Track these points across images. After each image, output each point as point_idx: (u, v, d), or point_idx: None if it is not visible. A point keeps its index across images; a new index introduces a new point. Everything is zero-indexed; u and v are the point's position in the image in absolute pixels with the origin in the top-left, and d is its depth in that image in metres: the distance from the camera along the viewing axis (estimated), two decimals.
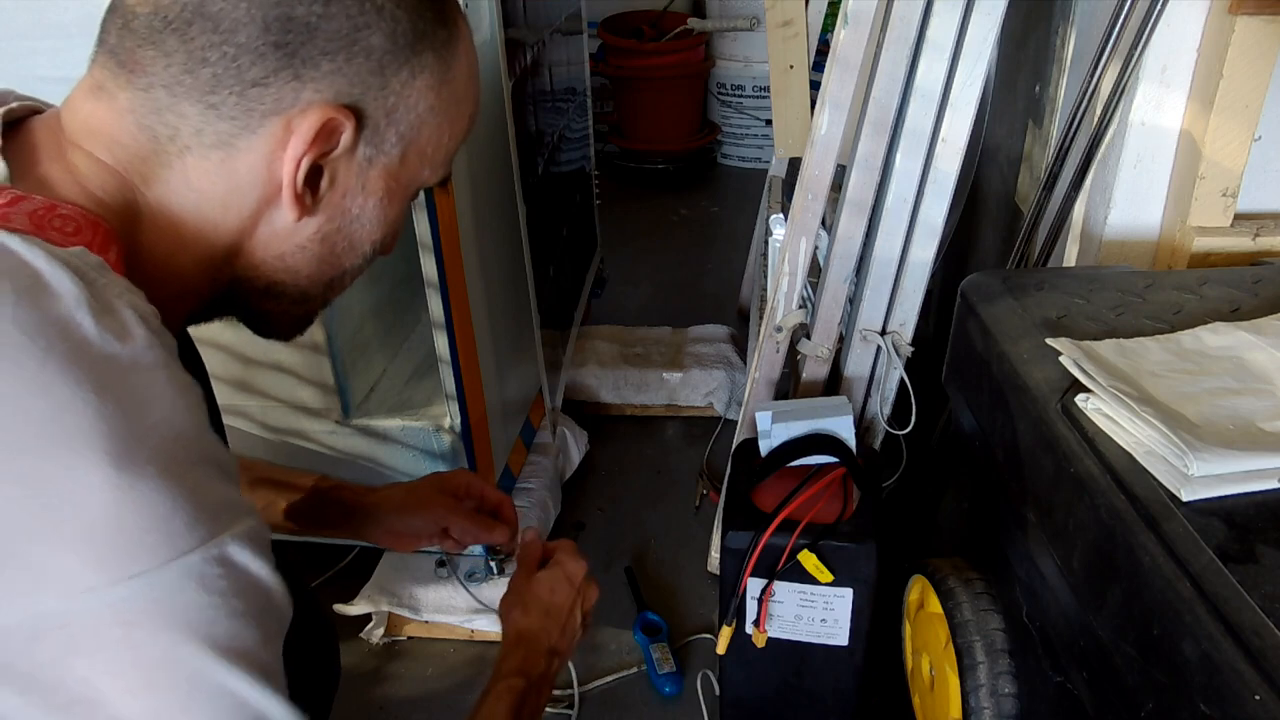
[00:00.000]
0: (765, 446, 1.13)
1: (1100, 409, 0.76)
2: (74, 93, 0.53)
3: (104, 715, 0.43)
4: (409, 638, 1.45)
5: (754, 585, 1.05)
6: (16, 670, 0.42)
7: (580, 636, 0.86)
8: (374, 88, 0.53)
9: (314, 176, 0.54)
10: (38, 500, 0.41)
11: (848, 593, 1.04)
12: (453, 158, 0.62)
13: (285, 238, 0.56)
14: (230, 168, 0.52)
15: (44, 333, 0.42)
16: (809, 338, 1.29)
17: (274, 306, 0.61)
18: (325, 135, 0.52)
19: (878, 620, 1.08)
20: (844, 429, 1.12)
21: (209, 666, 0.44)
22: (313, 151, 0.52)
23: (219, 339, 1.27)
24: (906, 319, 1.25)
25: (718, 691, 1.24)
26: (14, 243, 0.45)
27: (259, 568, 0.46)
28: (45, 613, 0.41)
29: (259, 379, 1.36)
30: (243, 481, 0.57)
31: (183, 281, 0.55)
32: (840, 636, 1.08)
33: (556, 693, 1.35)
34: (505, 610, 0.84)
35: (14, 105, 0.53)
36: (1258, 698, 0.53)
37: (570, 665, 1.40)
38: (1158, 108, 1.10)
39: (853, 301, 1.28)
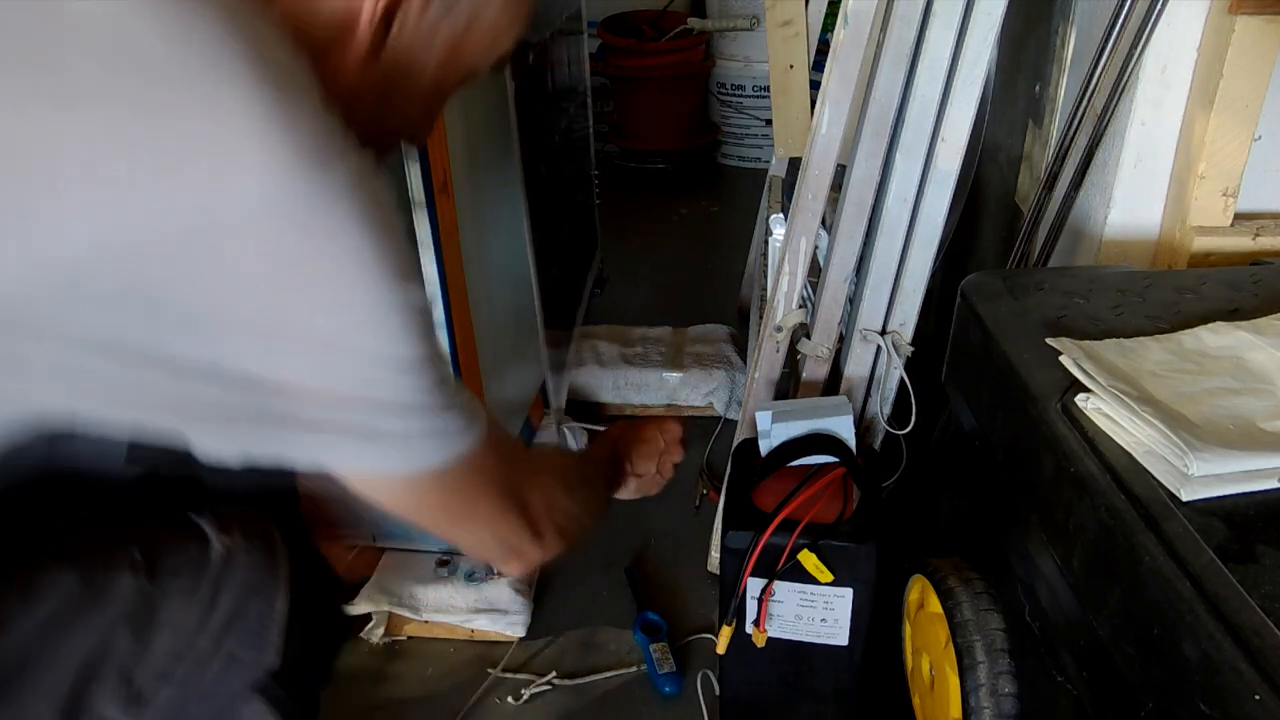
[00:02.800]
0: (765, 446, 1.13)
1: (1100, 409, 0.76)
2: None
3: (295, 329, 0.49)
4: (409, 638, 1.45)
5: (754, 585, 1.05)
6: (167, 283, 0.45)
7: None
8: None
9: (389, 17, 0.56)
10: (207, 102, 0.45)
11: (848, 593, 1.04)
12: (508, 51, 0.64)
13: (350, 74, 0.58)
14: None
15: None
16: (809, 338, 1.29)
17: None
18: None
19: (878, 620, 1.08)
20: (844, 429, 1.12)
21: (387, 276, 0.50)
22: None
23: None
24: (906, 319, 1.25)
25: (718, 691, 1.24)
26: None
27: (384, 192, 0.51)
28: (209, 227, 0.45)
29: None
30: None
31: None
32: (840, 636, 1.08)
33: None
34: (626, 436, 0.97)
35: None
36: (1258, 698, 0.53)
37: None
38: (1158, 108, 1.10)
39: (853, 301, 1.28)
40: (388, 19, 0.56)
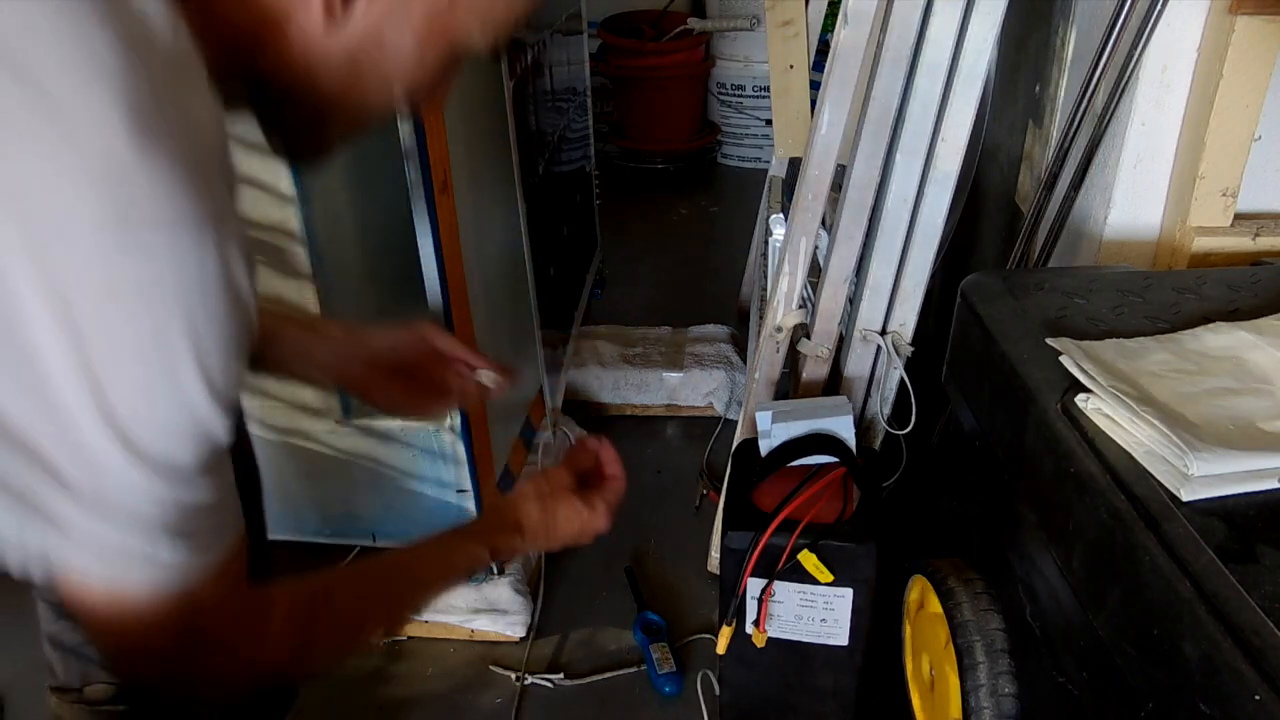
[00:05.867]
0: (765, 446, 1.13)
1: (1100, 409, 0.76)
2: None
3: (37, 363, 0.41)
4: (409, 638, 1.45)
5: (754, 585, 1.05)
6: None
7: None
8: None
9: None
10: (43, 121, 0.40)
11: (848, 593, 1.04)
12: (504, 29, 0.60)
13: (314, 45, 0.54)
14: None
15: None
16: (809, 338, 1.29)
17: (289, 114, 0.59)
18: None
19: (878, 620, 1.08)
20: (844, 429, 1.12)
21: (180, 379, 0.44)
22: None
23: None
24: (906, 319, 1.25)
25: (718, 691, 1.24)
26: None
27: (245, 291, 0.46)
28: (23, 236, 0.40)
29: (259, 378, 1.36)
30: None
31: (207, 38, 0.53)
32: (840, 636, 1.08)
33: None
34: (528, 493, 0.84)
35: None
36: (1258, 698, 0.53)
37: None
38: (1158, 108, 1.10)
39: (853, 301, 1.28)
40: None
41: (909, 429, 1.25)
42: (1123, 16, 1.05)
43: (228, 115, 0.58)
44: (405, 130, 1.10)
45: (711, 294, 2.48)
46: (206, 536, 0.50)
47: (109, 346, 0.42)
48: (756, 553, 1.02)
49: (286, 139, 0.62)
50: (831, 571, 1.02)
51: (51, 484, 0.44)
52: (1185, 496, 0.67)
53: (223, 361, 0.45)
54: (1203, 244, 1.10)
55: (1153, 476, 0.69)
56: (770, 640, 1.09)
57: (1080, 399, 0.78)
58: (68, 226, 0.40)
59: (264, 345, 0.82)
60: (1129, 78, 1.08)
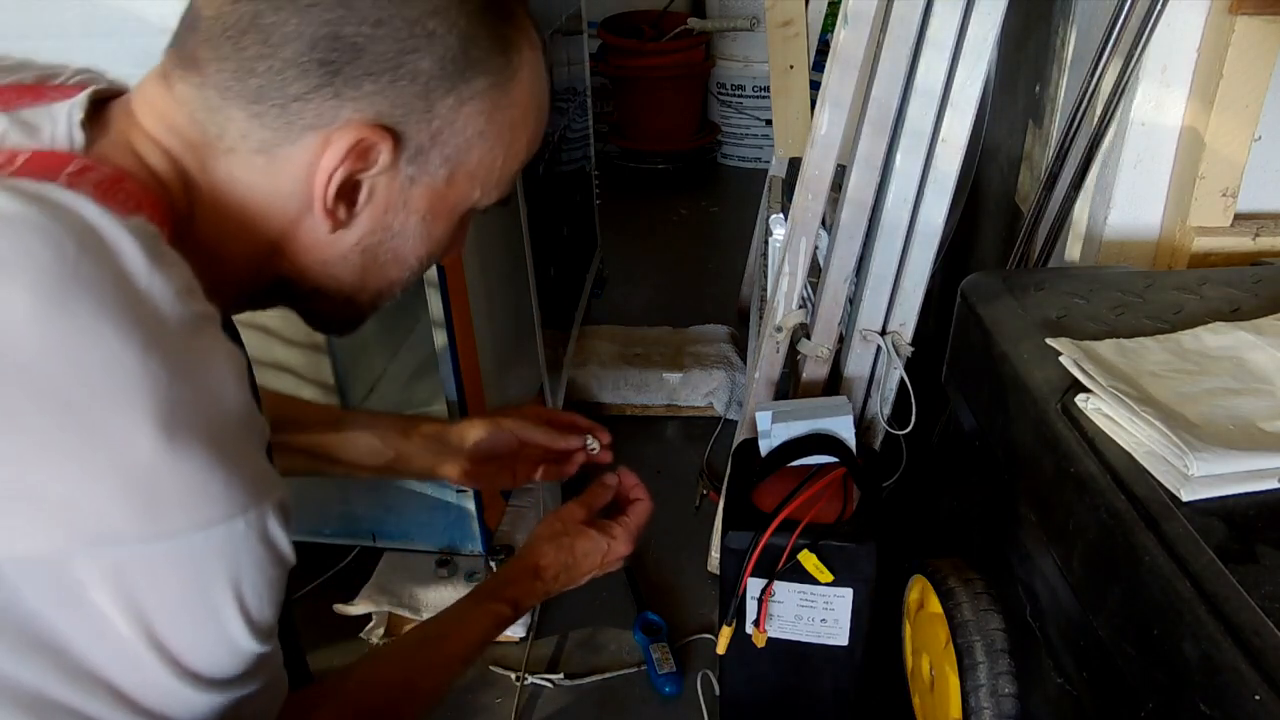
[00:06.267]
0: (765, 446, 1.13)
1: (1100, 409, 0.76)
2: (146, 77, 0.55)
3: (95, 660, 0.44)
4: (414, 627, 1.45)
5: (754, 585, 1.05)
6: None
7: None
8: (417, 110, 0.53)
9: (353, 190, 0.55)
10: (79, 441, 0.42)
11: (848, 593, 1.04)
12: (511, 180, 0.62)
13: (326, 246, 0.57)
14: (272, 173, 0.53)
15: (101, 285, 0.43)
16: (809, 338, 1.29)
17: (321, 306, 0.62)
18: (360, 153, 0.53)
19: (878, 620, 1.08)
20: (844, 429, 1.12)
21: (226, 625, 0.46)
22: (345, 167, 0.53)
23: None
24: (906, 319, 1.25)
25: (718, 691, 1.24)
26: (79, 203, 0.46)
27: (283, 540, 0.48)
28: (57, 553, 0.42)
29: (259, 377, 1.35)
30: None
31: (226, 270, 0.56)
32: (840, 636, 1.08)
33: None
34: (543, 535, 0.86)
35: (102, 86, 0.55)
36: (1258, 698, 0.53)
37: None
38: (1158, 108, 1.10)
39: (853, 301, 1.28)
40: (353, 192, 0.55)
41: (909, 429, 1.25)
42: (1123, 16, 1.05)
43: (264, 309, 0.63)
44: None
45: (711, 294, 2.48)
46: (258, 705, 0.52)
47: (160, 609, 0.45)
48: (756, 553, 1.02)
49: (322, 323, 0.65)
50: (831, 571, 1.02)
51: (108, 699, 0.46)
52: (1185, 496, 0.67)
53: (263, 603, 0.48)
54: (1203, 244, 1.10)
55: (1153, 476, 0.69)
56: (770, 640, 1.09)
57: (1080, 399, 0.78)
58: (109, 535, 0.43)
59: (362, 455, 0.91)
60: (1129, 78, 1.08)
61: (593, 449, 0.95)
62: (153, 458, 0.42)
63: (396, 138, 0.53)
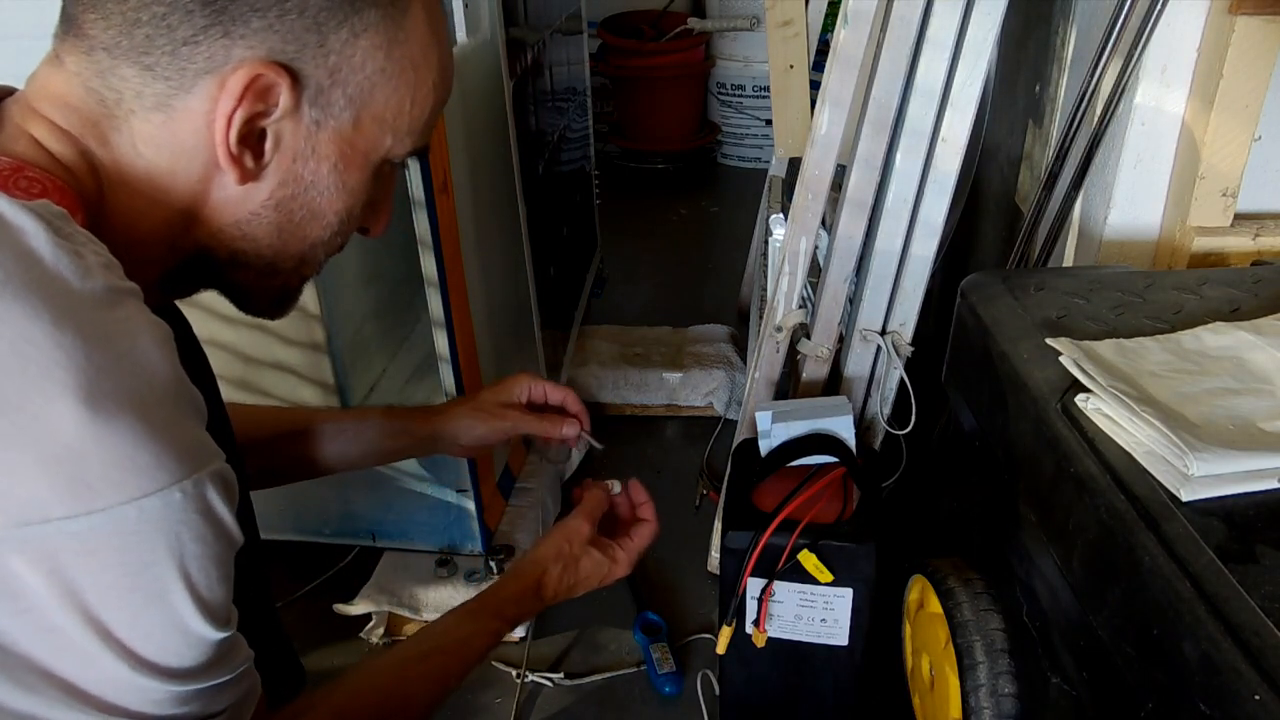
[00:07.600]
0: (765, 446, 1.13)
1: (1100, 409, 0.76)
2: (38, 66, 0.54)
3: (47, 624, 0.43)
4: (409, 638, 1.45)
5: (754, 585, 1.05)
6: None
7: None
8: (311, 45, 0.52)
9: (259, 141, 0.54)
10: (6, 423, 0.41)
11: (848, 593, 1.04)
12: (425, 129, 0.60)
13: (238, 204, 0.56)
14: (172, 130, 0.52)
15: (4, 267, 0.43)
16: (809, 338, 1.29)
17: (243, 278, 0.61)
18: (258, 93, 0.51)
19: (878, 620, 1.08)
20: (844, 429, 1.12)
21: (175, 606, 0.45)
22: (244, 108, 0.51)
23: (219, 339, 1.28)
24: (906, 319, 1.25)
25: (718, 691, 1.24)
26: None
27: (226, 514, 0.47)
28: None
29: (259, 378, 1.36)
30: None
31: (144, 248, 0.55)
32: (840, 636, 1.08)
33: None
34: (549, 555, 0.86)
35: None
36: (1258, 698, 0.53)
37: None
38: (1158, 108, 1.10)
39: (853, 301, 1.28)
40: (258, 142, 0.54)
41: (909, 429, 1.25)
42: (1123, 16, 1.05)
43: (190, 295, 0.62)
44: None
45: (711, 294, 2.49)
46: (227, 701, 0.51)
47: (100, 591, 0.44)
48: (756, 553, 1.02)
49: (250, 300, 0.64)
50: (831, 571, 1.02)
51: (65, 700, 0.45)
52: (1185, 496, 0.67)
53: (211, 581, 0.47)
54: (1203, 244, 1.10)
55: (1152, 476, 0.69)
56: (770, 640, 1.09)
57: (1080, 399, 0.78)
58: (37, 515, 0.41)
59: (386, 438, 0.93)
60: (1129, 78, 1.08)
61: (615, 493, 0.95)
62: (76, 430, 0.41)
63: (294, 76, 0.52)
